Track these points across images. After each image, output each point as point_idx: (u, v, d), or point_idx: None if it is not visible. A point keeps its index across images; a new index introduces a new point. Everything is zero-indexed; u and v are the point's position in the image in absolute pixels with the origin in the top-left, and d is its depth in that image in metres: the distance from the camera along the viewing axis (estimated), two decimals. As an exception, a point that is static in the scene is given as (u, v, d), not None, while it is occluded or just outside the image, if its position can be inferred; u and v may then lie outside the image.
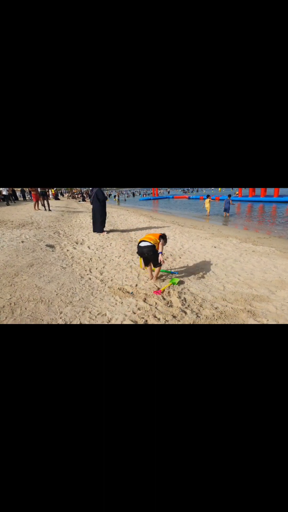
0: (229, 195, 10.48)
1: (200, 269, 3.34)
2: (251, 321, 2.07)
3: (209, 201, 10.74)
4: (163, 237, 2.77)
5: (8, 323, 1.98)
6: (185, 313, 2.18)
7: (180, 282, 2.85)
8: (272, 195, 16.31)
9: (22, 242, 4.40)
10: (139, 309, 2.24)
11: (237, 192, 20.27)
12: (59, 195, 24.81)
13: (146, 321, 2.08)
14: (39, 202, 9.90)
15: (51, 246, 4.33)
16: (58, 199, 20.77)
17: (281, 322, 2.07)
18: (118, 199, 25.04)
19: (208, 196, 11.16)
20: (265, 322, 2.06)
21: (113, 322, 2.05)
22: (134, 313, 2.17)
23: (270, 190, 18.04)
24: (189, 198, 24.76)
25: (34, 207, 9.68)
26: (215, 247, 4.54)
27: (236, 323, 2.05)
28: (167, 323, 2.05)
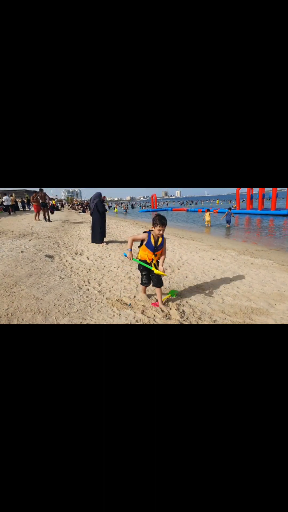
0: (230, 208, 11.05)
1: (199, 281, 3.34)
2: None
3: (209, 214, 11.26)
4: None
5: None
6: (184, 325, 2.16)
7: (179, 294, 2.84)
8: (269, 208, 16.62)
9: (22, 252, 4.41)
10: (137, 321, 2.22)
11: (235, 205, 20.69)
12: (59, 206, 25.15)
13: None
14: (40, 213, 10.02)
15: (50, 257, 4.34)
16: (58, 209, 20.98)
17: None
18: (126, 211, 25.73)
19: (207, 209, 11.75)
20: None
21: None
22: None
23: (267, 204, 18.41)
24: (187, 210, 25.20)
25: (35, 218, 9.78)
26: (213, 259, 4.56)
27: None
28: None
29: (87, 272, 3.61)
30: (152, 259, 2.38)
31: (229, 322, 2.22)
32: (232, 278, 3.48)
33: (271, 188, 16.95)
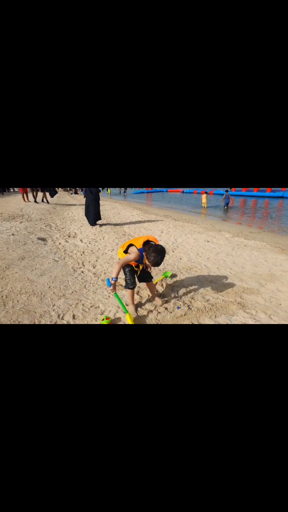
0: (227, 190, 11.03)
1: (193, 262, 3.39)
2: (240, 313, 2.13)
3: (206, 196, 11.22)
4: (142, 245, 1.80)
5: (0, 315, 1.96)
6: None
7: (173, 275, 2.89)
8: (265, 190, 16.52)
9: (13, 235, 4.31)
10: (129, 304, 2.26)
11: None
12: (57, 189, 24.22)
13: (140, 315, 2.10)
14: (28, 194, 9.66)
15: (43, 239, 4.27)
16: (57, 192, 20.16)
17: (269, 313, 2.15)
18: (125, 194, 25.19)
19: (204, 191, 11.94)
20: (253, 314, 2.13)
21: (106, 313, 2.07)
22: (127, 305, 2.19)
23: (263, 185, 18.25)
24: (183, 192, 24.74)
25: (23, 199, 9.44)
26: (208, 241, 4.59)
27: (227, 314, 2.11)
28: (159, 315, 2.08)
29: (81, 254, 3.59)
30: (138, 266, 2.03)
31: (221, 301, 2.30)
32: (225, 259, 3.54)
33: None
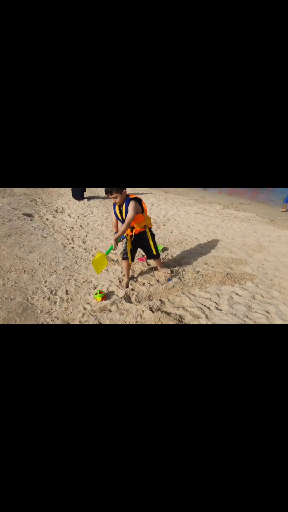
0: None
1: (184, 235, 3.39)
2: (226, 281, 2.22)
3: None
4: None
5: (-9, 294, 1.95)
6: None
7: (164, 249, 2.90)
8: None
9: (-4, 211, 4.09)
10: (124, 275, 2.29)
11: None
12: None
13: (133, 288, 2.15)
14: None
15: (29, 215, 4.08)
16: None
17: (256, 282, 2.24)
18: None
19: None
20: (241, 283, 2.22)
21: (99, 288, 2.10)
22: (119, 279, 2.22)
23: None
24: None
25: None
26: (198, 213, 4.56)
27: (216, 283, 2.19)
28: (151, 287, 2.13)
29: (70, 230, 3.50)
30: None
31: (211, 272, 2.37)
32: (215, 231, 3.56)
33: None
